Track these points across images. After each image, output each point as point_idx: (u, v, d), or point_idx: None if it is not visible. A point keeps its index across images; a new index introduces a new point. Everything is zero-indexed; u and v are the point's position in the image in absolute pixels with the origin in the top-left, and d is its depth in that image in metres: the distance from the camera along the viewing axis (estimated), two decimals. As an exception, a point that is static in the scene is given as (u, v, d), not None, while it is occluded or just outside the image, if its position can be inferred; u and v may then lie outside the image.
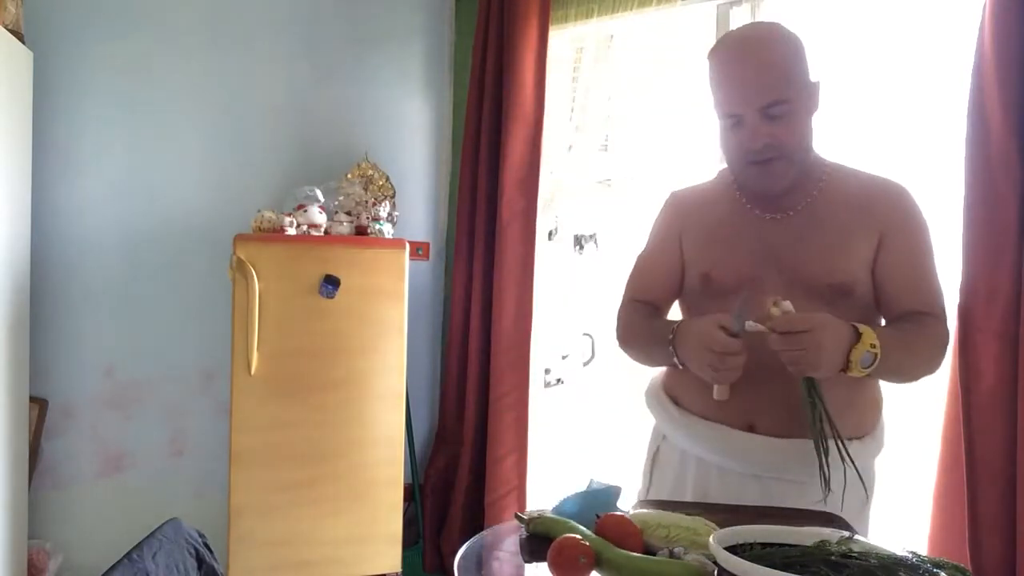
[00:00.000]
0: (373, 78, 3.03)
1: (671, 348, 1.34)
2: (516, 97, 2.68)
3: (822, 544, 0.92)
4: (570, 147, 2.79)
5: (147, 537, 1.41)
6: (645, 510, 1.14)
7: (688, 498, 1.40)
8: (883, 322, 1.40)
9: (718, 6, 2.38)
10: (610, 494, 1.16)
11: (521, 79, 2.68)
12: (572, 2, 2.68)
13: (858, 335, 1.20)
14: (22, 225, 2.27)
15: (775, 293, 1.27)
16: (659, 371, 1.57)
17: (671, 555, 0.96)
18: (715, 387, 1.31)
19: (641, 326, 1.50)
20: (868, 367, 1.21)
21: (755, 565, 0.82)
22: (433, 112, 3.19)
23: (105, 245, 2.58)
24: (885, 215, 1.36)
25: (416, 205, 3.13)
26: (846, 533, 0.96)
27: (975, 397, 1.70)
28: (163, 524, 1.48)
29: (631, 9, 2.51)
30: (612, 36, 2.66)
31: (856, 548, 0.91)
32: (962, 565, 0.90)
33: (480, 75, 2.84)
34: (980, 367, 1.70)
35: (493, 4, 2.78)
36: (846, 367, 1.20)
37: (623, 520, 1.06)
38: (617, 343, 1.56)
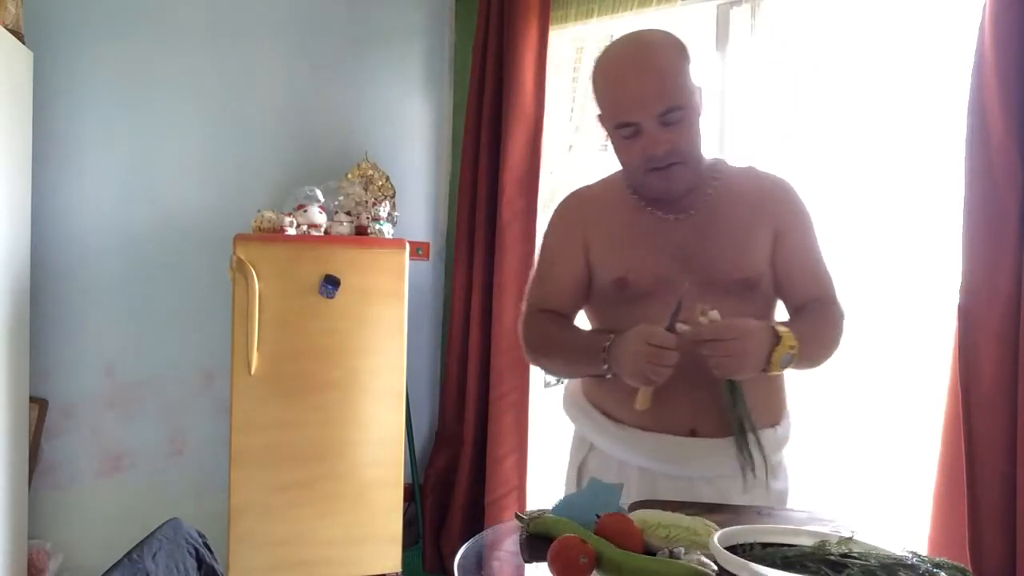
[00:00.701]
0: (373, 78, 3.03)
1: (604, 355, 1.30)
2: (516, 97, 2.68)
3: (822, 544, 0.92)
4: (570, 147, 2.80)
5: (147, 537, 1.41)
6: (645, 510, 1.14)
7: None
8: (784, 310, 1.47)
9: (718, 6, 2.38)
10: (611, 493, 1.16)
11: (521, 79, 2.68)
12: (572, 2, 2.68)
13: (778, 338, 1.25)
14: (22, 225, 2.27)
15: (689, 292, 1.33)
16: (575, 382, 1.54)
17: (671, 555, 0.96)
18: (638, 396, 1.29)
19: (562, 337, 1.44)
20: (786, 366, 1.28)
21: (755, 565, 0.82)
22: (433, 112, 3.19)
23: (105, 245, 2.58)
24: (778, 210, 1.43)
25: (416, 205, 3.13)
26: (846, 533, 0.96)
27: (975, 397, 1.70)
28: (163, 524, 1.48)
29: (631, 9, 2.51)
30: (612, 36, 2.65)
31: (856, 548, 0.91)
32: (962, 565, 0.90)
33: (480, 75, 2.84)
34: (980, 367, 1.70)
35: (493, 4, 2.78)
36: (767, 367, 1.26)
37: (623, 520, 1.06)
38: (526, 354, 1.51)
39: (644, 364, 1.22)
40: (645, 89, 1.28)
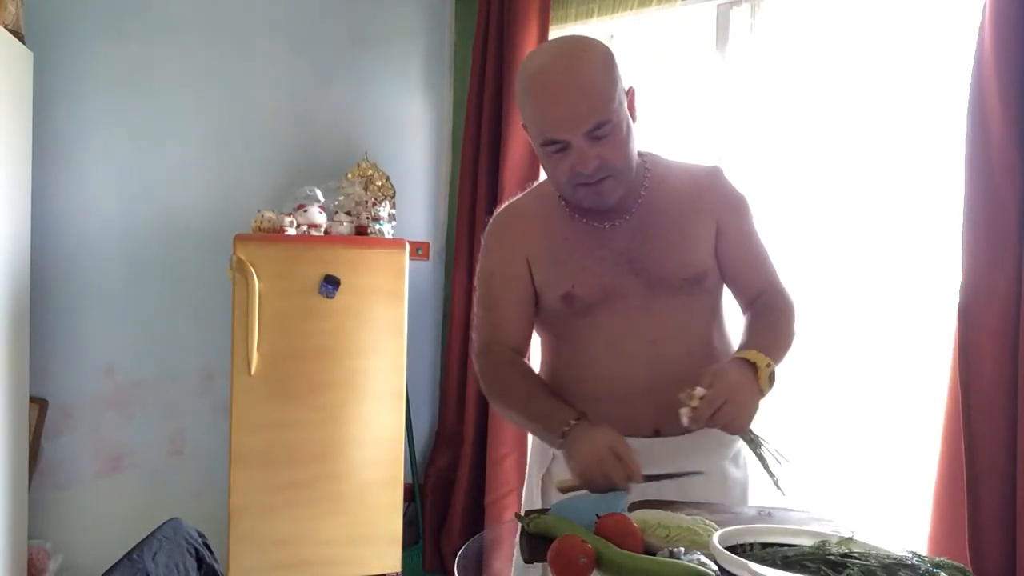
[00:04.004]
0: (373, 78, 3.03)
1: (561, 440, 1.24)
2: (516, 97, 2.68)
3: (822, 544, 0.92)
4: (570, 147, 2.79)
5: (147, 537, 1.41)
6: (645, 510, 1.14)
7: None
8: (735, 304, 1.46)
9: (718, 6, 2.38)
10: (615, 499, 1.16)
11: (521, 79, 2.67)
12: (572, 2, 2.68)
13: (754, 366, 1.23)
14: (22, 225, 2.27)
15: (637, 297, 1.33)
16: None
17: (671, 555, 0.96)
18: (561, 480, 1.25)
19: (524, 395, 1.36)
20: (774, 381, 1.27)
21: (755, 565, 0.82)
22: (433, 112, 3.19)
23: (105, 245, 2.58)
24: (716, 200, 1.41)
25: (416, 205, 3.13)
26: (846, 533, 0.96)
27: (975, 397, 1.70)
28: (163, 524, 1.48)
29: (631, 9, 2.51)
30: (612, 36, 2.65)
31: (856, 548, 0.91)
32: (962, 565, 0.90)
33: (480, 75, 2.84)
34: (980, 367, 1.70)
35: (493, 4, 2.78)
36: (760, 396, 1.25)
37: (623, 520, 1.06)
38: (483, 390, 1.44)
39: (598, 471, 1.17)
40: (572, 108, 1.22)
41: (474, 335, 1.47)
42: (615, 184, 1.29)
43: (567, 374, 1.39)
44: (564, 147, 1.25)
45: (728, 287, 1.45)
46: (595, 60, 1.25)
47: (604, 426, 1.22)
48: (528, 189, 1.51)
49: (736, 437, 1.31)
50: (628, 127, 1.29)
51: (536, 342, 1.51)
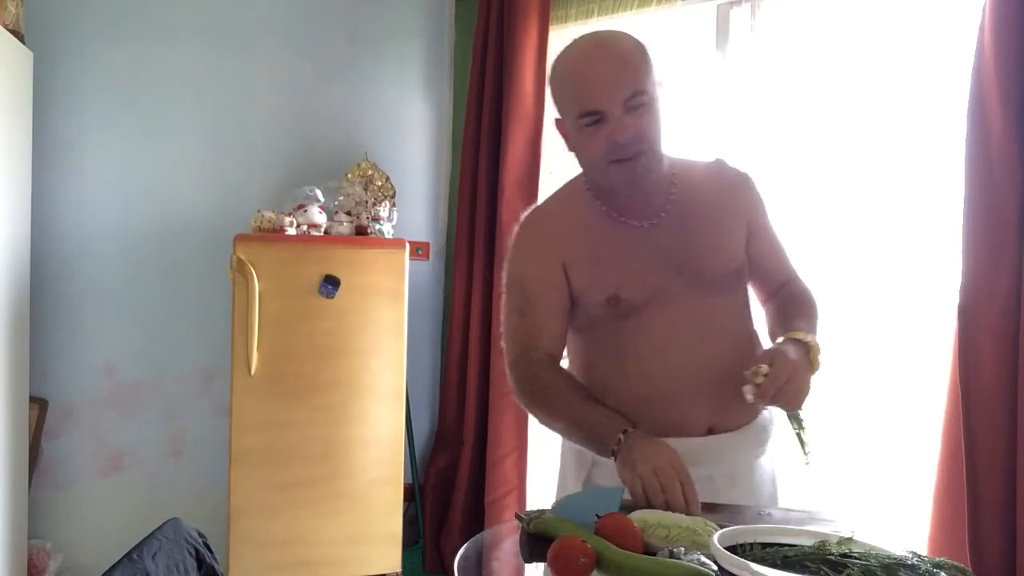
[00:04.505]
0: (373, 78, 3.03)
1: (615, 449, 1.24)
2: (516, 97, 2.68)
3: (822, 544, 0.92)
4: (570, 147, 2.79)
5: (147, 537, 1.41)
6: (645, 510, 1.14)
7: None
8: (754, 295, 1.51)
9: (718, 6, 2.38)
10: (611, 495, 1.16)
11: (521, 79, 2.68)
12: (572, 2, 2.68)
13: (806, 345, 1.29)
14: (22, 225, 2.27)
15: (681, 297, 1.34)
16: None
17: (671, 555, 0.96)
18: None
19: (571, 404, 1.34)
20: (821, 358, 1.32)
21: (755, 565, 0.82)
22: (433, 112, 3.19)
23: (105, 245, 2.58)
24: (744, 200, 1.45)
25: (416, 205, 3.13)
26: (846, 533, 0.96)
27: (975, 397, 1.70)
28: (163, 524, 1.48)
29: (631, 9, 2.51)
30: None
31: (856, 548, 0.91)
32: (962, 565, 0.90)
33: (480, 75, 2.84)
34: (980, 367, 1.70)
35: (493, 4, 2.78)
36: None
37: (623, 520, 1.06)
38: (517, 398, 1.41)
39: (657, 489, 1.17)
40: (609, 74, 1.26)
41: (505, 344, 1.43)
42: (648, 162, 1.30)
43: (613, 377, 1.38)
44: (600, 119, 1.26)
45: (750, 279, 1.48)
46: (630, 39, 1.31)
47: (660, 441, 1.22)
48: (557, 192, 1.50)
49: (772, 430, 1.36)
50: (659, 112, 1.30)
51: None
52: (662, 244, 1.37)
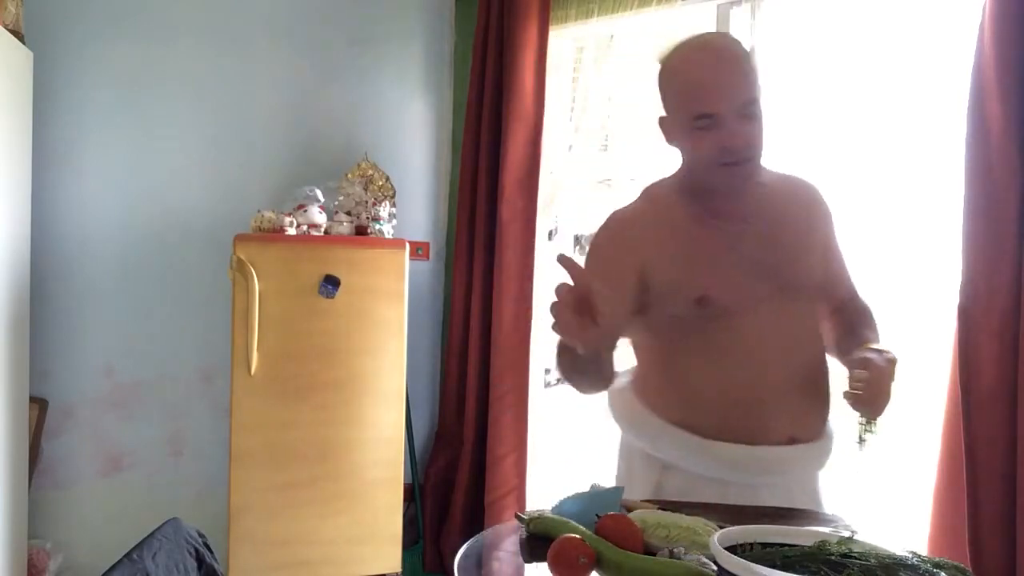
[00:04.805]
0: (373, 78, 3.03)
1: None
2: (516, 97, 2.68)
3: (822, 544, 0.92)
4: (570, 147, 2.80)
5: (147, 537, 1.41)
6: (645, 510, 1.14)
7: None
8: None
9: (718, 6, 2.38)
10: (611, 495, 1.16)
11: (521, 79, 2.68)
12: (572, 2, 2.68)
13: (889, 357, 1.30)
14: (22, 225, 2.27)
15: (769, 303, 1.34)
16: (639, 400, 1.46)
17: (671, 555, 0.96)
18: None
19: (594, 366, 1.35)
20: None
21: (755, 565, 0.82)
22: (433, 112, 3.19)
23: (105, 245, 2.58)
24: (821, 213, 1.47)
25: (416, 205, 3.13)
26: (846, 533, 0.96)
27: (975, 397, 1.70)
28: (163, 524, 1.48)
29: (631, 9, 2.51)
30: (612, 36, 2.66)
31: (856, 548, 0.91)
32: (962, 565, 0.90)
33: (480, 75, 2.84)
34: (980, 367, 1.70)
35: (493, 4, 2.78)
36: None
37: (623, 520, 1.06)
38: (559, 374, 1.44)
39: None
40: (728, 81, 1.28)
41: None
42: (751, 170, 1.33)
43: (698, 379, 1.37)
44: (714, 122, 1.28)
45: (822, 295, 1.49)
46: (743, 48, 1.34)
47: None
48: (645, 191, 1.50)
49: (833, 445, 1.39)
50: (763, 121, 1.32)
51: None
52: (752, 249, 1.37)
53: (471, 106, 2.87)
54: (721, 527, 1.00)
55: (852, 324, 1.43)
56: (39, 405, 2.47)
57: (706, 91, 1.29)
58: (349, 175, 2.77)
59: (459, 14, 3.16)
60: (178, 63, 2.68)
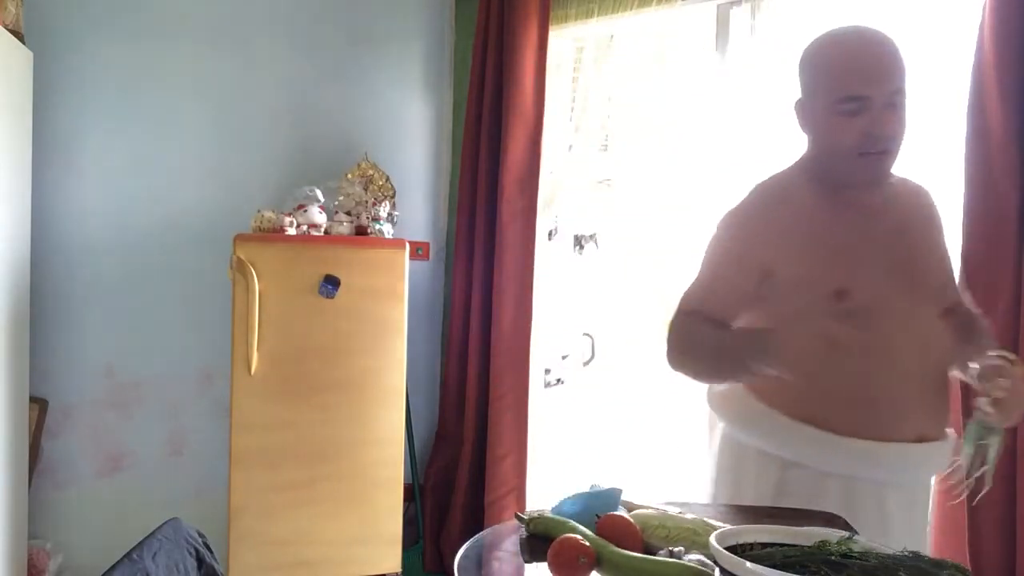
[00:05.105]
0: (373, 78, 3.03)
1: (763, 344, 1.23)
2: (516, 97, 2.68)
3: (822, 544, 0.92)
4: (570, 147, 2.80)
5: (147, 537, 1.41)
6: (645, 510, 1.14)
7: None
8: None
9: (718, 6, 2.38)
10: (611, 495, 1.16)
11: (521, 79, 2.68)
12: (572, 2, 2.68)
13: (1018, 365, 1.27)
14: (22, 225, 2.27)
15: (904, 302, 1.32)
16: (756, 397, 1.40)
17: (671, 555, 0.96)
18: None
19: (713, 333, 1.37)
20: None
21: (755, 565, 0.82)
22: (433, 112, 3.19)
23: (105, 245, 2.58)
24: (937, 215, 1.45)
25: (416, 205, 3.13)
26: (846, 533, 0.96)
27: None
28: (163, 524, 1.48)
29: (631, 9, 2.51)
30: (612, 36, 2.66)
31: (856, 548, 0.91)
32: (962, 565, 0.90)
33: (480, 75, 2.84)
34: (980, 367, 1.70)
35: (493, 4, 2.78)
36: None
37: (623, 520, 1.06)
38: (670, 358, 1.43)
39: (815, 357, 1.15)
40: (883, 64, 1.26)
41: (679, 307, 1.45)
42: (891, 162, 1.31)
43: (829, 376, 1.28)
44: (861, 107, 1.26)
45: None
46: (893, 39, 1.31)
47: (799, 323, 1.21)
48: (773, 181, 1.45)
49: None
50: (905, 115, 1.30)
51: None
52: (885, 244, 1.35)
53: (471, 106, 2.87)
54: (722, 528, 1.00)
55: (967, 329, 1.42)
56: (39, 405, 2.47)
57: (858, 72, 1.26)
58: (349, 175, 2.77)
59: (459, 14, 3.16)
60: (178, 63, 2.68)
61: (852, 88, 1.27)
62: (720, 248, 1.44)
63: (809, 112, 1.35)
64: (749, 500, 1.38)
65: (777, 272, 1.34)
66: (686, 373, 1.43)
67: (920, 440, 1.32)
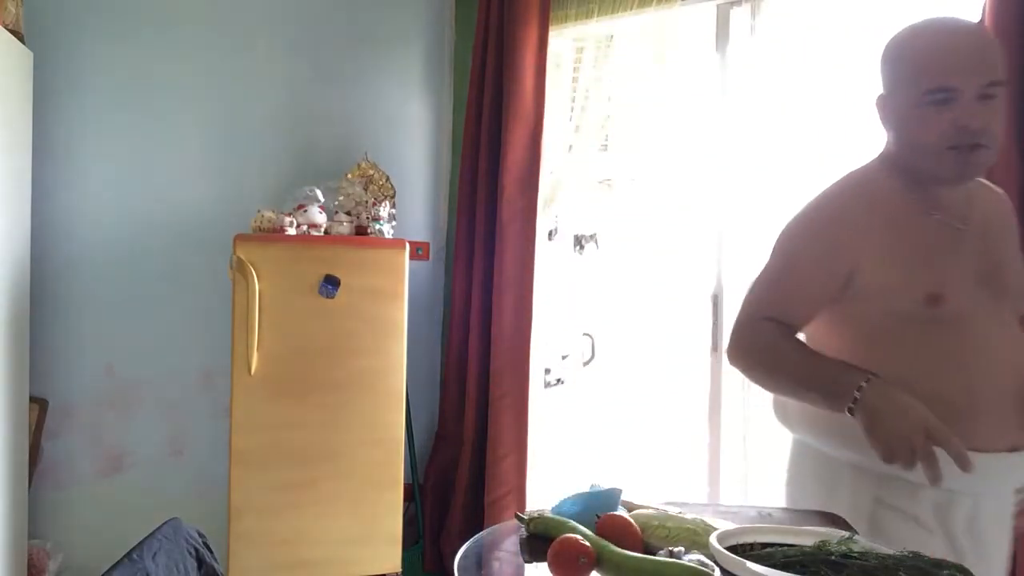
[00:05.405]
0: (373, 78, 3.03)
1: (852, 402, 1.17)
2: (516, 97, 2.68)
3: (822, 544, 0.92)
4: (570, 147, 2.80)
5: (147, 537, 1.41)
6: (645, 510, 1.14)
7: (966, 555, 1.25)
8: None
9: (718, 6, 2.38)
10: (611, 495, 1.16)
11: (521, 79, 2.68)
12: (572, 2, 2.68)
13: None
14: (22, 225, 2.27)
15: (993, 309, 1.27)
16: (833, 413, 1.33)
17: (671, 555, 0.96)
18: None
19: (798, 357, 1.29)
20: None
21: (755, 565, 0.82)
22: (433, 112, 3.19)
23: (105, 245, 2.58)
24: (1015, 222, 1.40)
25: (416, 205, 3.13)
26: (846, 533, 0.96)
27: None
28: (163, 524, 1.48)
29: (631, 9, 2.51)
30: (612, 36, 2.66)
31: (856, 548, 0.91)
32: (962, 565, 0.90)
33: (480, 75, 2.84)
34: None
35: (493, 5, 2.78)
36: None
37: (623, 520, 1.06)
38: (736, 361, 1.37)
39: (907, 448, 1.10)
40: (975, 54, 1.19)
41: (743, 304, 1.39)
42: (985, 159, 1.23)
43: (922, 385, 1.23)
44: (950, 98, 1.20)
45: None
46: (986, 29, 1.27)
47: (906, 396, 1.14)
48: (850, 182, 1.37)
49: None
50: (1001, 112, 1.23)
51: None
52: (973, 248, 1.29)
53: (471, 106, 2.87)
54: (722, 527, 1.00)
55: None
56: (39, 405, 2.47)
57: (947, 62, 1.20)
58: (349, 175, 2.77)
59: (459, 14, 3.16)
60: (178, 63, 2.67)
61: (939, 78, 1.20)
62: (797, 248, 1.36)
63: (892, 106, 1.29)
64: (844, 511, 1.30)
65: (862, 274, 1.28)
66: (752, 379, 1.37)
67: (1013, 450, 1.27)
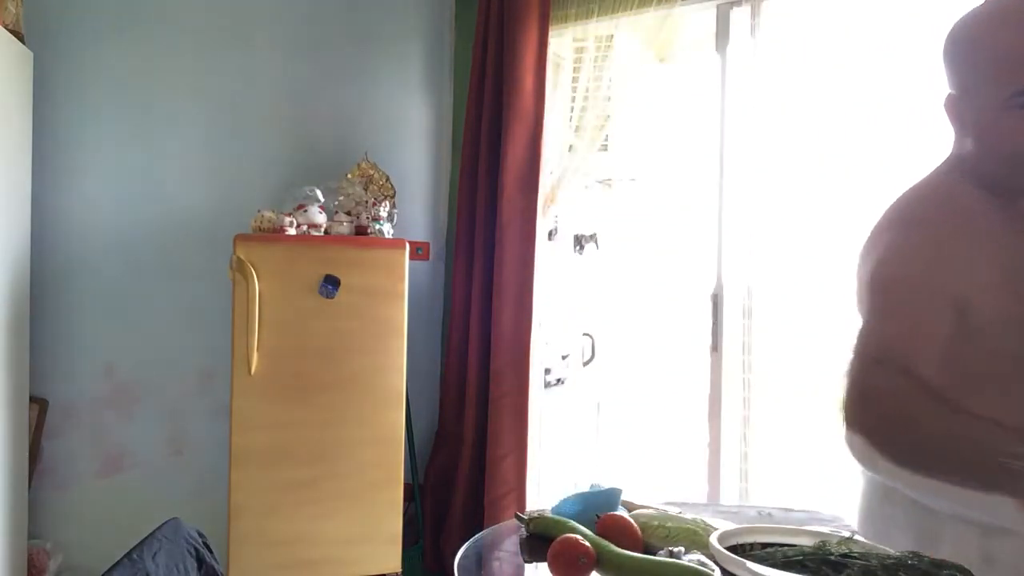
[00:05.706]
0: (373, 78, 3.03)
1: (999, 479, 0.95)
2: (516, 97, 2.68)
3: (822, 544, 0.92)
4: (570, 147, 2.80)
5: (147, 537, 1.41)
6: (645, 510, 1.14)
7: None
8: None
9: (718, 6, 2.38)
10: (611, 495, 1.16)
11: (521, 79, 2.68)
12: (572, 2, 2.68)
13: None
14: (22, 225, 2.27)
15: None
16: None
17: (671, 555, 0.96)
18: None
19: (932, 413, 1.03)
20: None
21: (756, 565, 0.82)
22: (433, 112, 3.19)
23: (105, 245, 2.58)
24: None
25: (416, 205, 3.13)
26: (846, 533, 0.96)
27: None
28: (163, 524, 1.48)
29: (631, 9, 2.51)
30: (612, 36, 2.66)
31: (856, 548, 0.91)
32: (962, 565, 0.90)
33: (480, 75, 2.84)
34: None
35: (493, 5, 2.78)
36: None
37: (623, 520, 1.06)
38: (851, 411, 1.08)
39: None
40: None
41: (854, 348, 1.14)
42: None
43: None
44: None
45: None
46: None
47: None
48: (933, 198, 1.17)
49: None
50: None
51: None
52: None
53: (471, 106, 2.87)
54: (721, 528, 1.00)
55: None
56: (39, 405, 2.47)
57: None
58: (349, 175, 2.77)
59: (459, 14, 3.16)
60: (178, 63, 2.68)
61: None
62: (892, 279, 1.14)
63: (970, 109, 1.12)
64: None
65: (975, 306, 1.08)
66: (879, 450, 1.05)
67: None
